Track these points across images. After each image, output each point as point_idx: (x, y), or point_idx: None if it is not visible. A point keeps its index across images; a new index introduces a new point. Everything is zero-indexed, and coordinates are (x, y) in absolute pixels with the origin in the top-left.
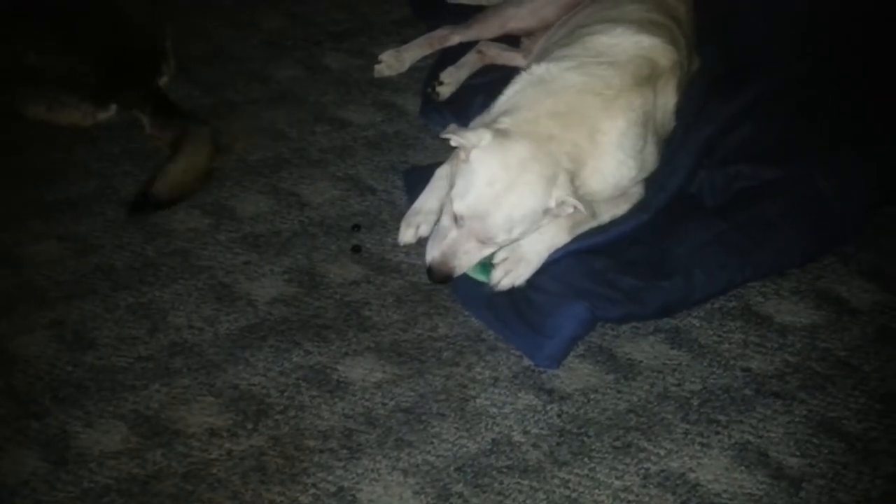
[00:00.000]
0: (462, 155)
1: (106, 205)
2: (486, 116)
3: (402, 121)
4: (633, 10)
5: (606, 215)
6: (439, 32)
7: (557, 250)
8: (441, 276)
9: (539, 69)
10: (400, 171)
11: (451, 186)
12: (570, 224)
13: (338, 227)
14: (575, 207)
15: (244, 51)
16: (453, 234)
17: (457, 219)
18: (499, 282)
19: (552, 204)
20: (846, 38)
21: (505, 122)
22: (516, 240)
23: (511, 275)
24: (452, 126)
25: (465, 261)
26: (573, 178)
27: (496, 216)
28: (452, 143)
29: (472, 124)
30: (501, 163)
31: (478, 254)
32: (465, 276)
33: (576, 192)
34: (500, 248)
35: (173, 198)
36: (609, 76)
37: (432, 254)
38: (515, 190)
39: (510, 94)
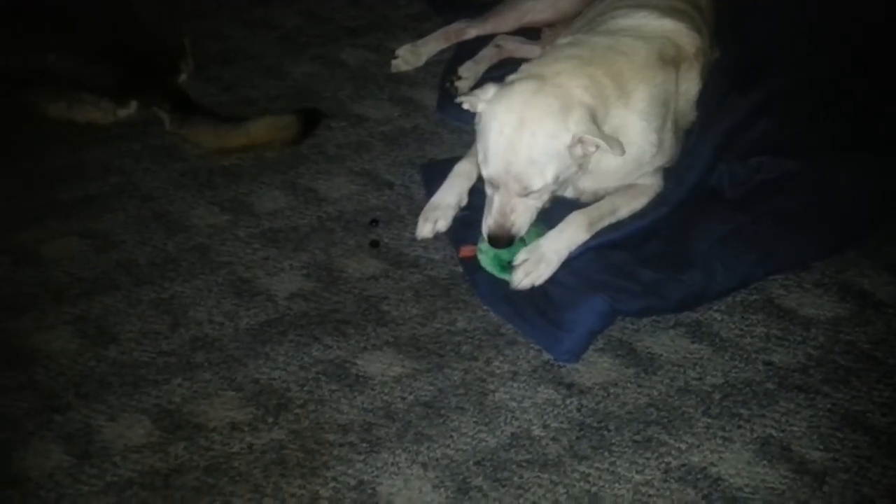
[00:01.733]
0: (476, 118)
1: (127, 201)
2: None
3: (419, 115)
4: None
5: (625, 210)
6: (456, 26)
7: (577, 248)
8: (504, 242)
9: (565, 40)
10: (417, 166)
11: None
12: (588, 221)
13: (355, 222)
14: (598, 146)
15: (260, 48)
16: (496, 198)
17: (492, 184)
18: (519, 283)
19: (568, 139)
20: (864, 31)
21: (520, 69)
22: (558, 184)
23: (532, 276)
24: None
25: (519, 219)
26: (594, 114)
27: (518, 161)
28: (465, 107)
29: None
30: (506, 107)
31: (527, 208)
32: (484, 272)
33: (601, 130)
34: (549, 197)
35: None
36: (636, 45)
37: (487, 224)
38: (525, 128)
39: (535, 61)
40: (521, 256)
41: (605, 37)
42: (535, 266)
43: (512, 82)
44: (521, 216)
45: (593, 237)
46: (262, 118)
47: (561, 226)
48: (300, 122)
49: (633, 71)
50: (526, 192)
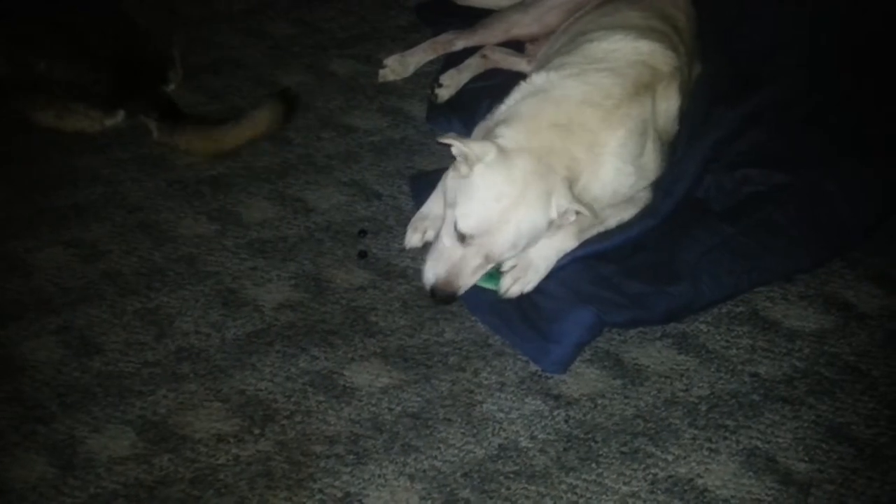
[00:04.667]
0: (463, 169)
1: (114, 211)
2: (486, 123)
3: (408, 126)
4: (632, 17)
5: (613, 220)
6: (443, 38)
7: (565, 256)
8: (446, 297)
9: (539, 78)
10: (406, 177)
11: (452, 204)
12: (577, 229)
13: (344, 232)
14: (578, 212)
15: (251, 58)
16: (459, 252)
17: (462, 237)
18: (508, 289)
19: (554, 214)
20: (852, 45)
21: (505, 135)
22: (520, 253)
23: (520, 282)
24: (452, 134)
25: (470, 279)
26: (571, 184)
27: (505, 232)
28: (454, 152)
29: (475, 131)
30: (506, 179)
31: (482, 271)
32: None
33: (577, 196)
34: (505, 260)
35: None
36: (609, 85)
37: (435, 273)
38: (522, 205)
39: (510, 104)
40: (509, 262)
41: (578, 82)
42: (524, 272)
43: (508, 150)
44: (473, 276)
45: (582, 245)
46: (256, 111)
47: (549, 232)
48: (284, 103)
49: (607, 122)
50: (493, 257)
